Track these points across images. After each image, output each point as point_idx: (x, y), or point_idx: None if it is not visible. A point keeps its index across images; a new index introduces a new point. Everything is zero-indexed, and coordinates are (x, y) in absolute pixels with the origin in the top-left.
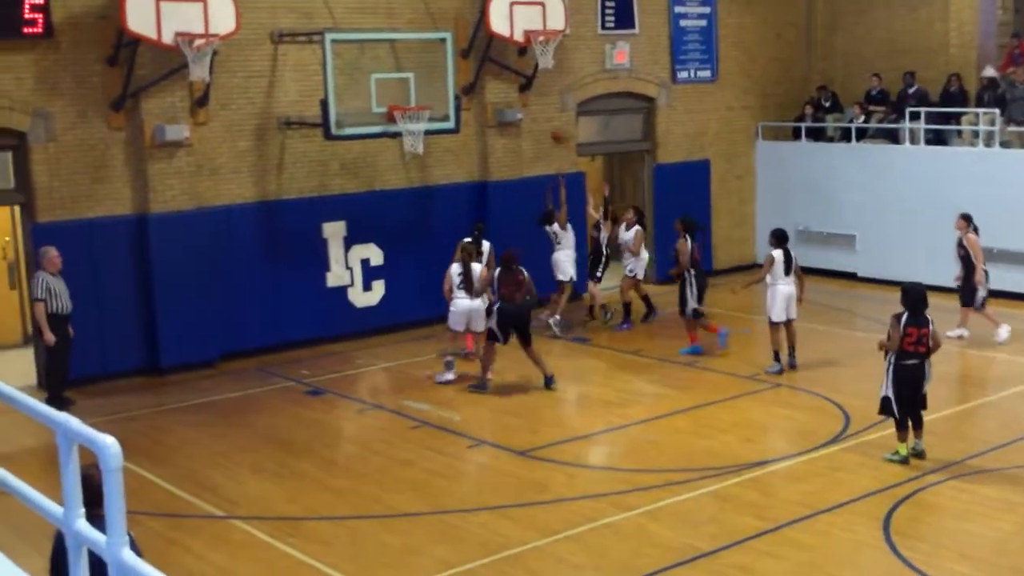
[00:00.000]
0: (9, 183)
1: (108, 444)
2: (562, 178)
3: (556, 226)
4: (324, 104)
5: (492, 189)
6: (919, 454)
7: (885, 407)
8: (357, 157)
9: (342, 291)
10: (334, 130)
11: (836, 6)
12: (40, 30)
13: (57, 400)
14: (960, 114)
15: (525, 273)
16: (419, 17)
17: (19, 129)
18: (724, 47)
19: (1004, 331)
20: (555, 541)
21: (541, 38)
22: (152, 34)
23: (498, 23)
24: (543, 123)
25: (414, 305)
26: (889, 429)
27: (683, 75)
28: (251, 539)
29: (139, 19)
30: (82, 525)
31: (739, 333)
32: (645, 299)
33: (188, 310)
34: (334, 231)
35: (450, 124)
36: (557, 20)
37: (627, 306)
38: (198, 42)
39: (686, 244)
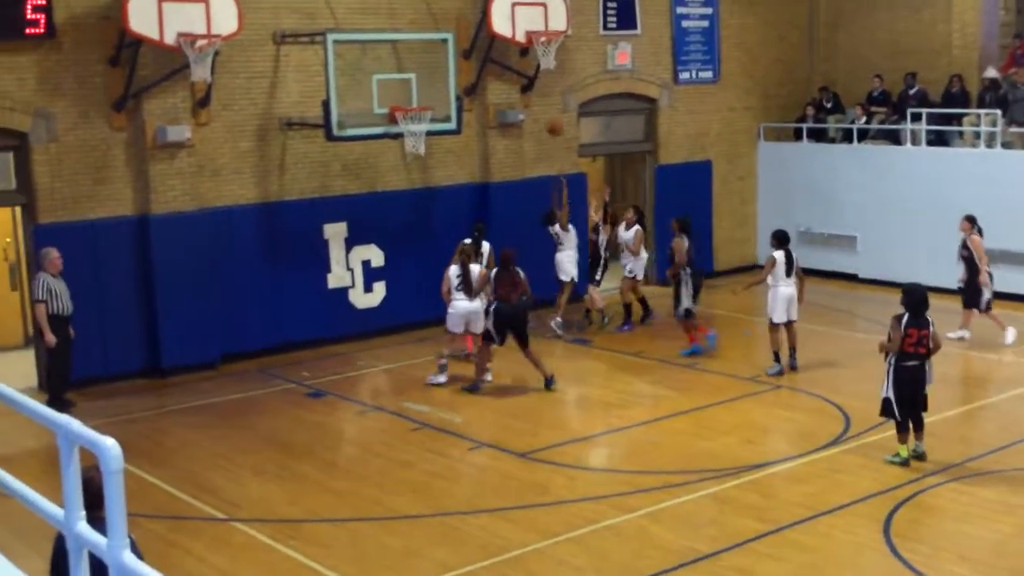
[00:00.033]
0: (10, 184)
1: (109, 446)
2: (564, 179)
3: (557, 227)
4: (326, 105)
5: (494, 190)
6: (919, 456)
7: (886, 409)
8: (359, 158)
9: (343, 292)
10: (336, 131)
11: (838, 7)
12: (42, 30)
13: (58, 402)
14: (962, 115)
15: (521, 273)
16: (421, 18)
17: (20, 130)
18: (726, 48)
19: (1011, 334)
20: (556, 543)
21: (543, 39)
22: (154, 35)
23: (500, 24)
24: (545, 124)
25: (415, 306)
26: (890, 431)
27: (685, 76)
28: (252, 541)
29: (141, 20)
30: (83, 527)
31: (741, 335)
32: (642, 301)
33: (189, 311)
34: (335, 232)
35: (452, 125)
36: (559, 21)
37: (627, 307)
38: (200, 43)
39: (682, 243)
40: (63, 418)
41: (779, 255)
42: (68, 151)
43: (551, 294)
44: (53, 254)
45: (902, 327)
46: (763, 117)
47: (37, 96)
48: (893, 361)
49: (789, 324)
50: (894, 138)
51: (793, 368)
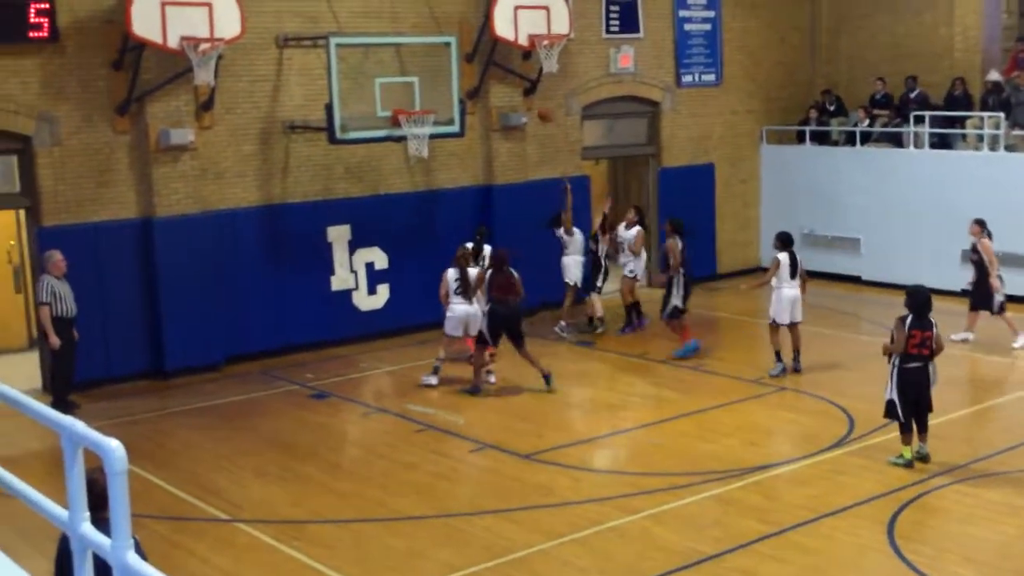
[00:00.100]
0: (14, 187)
1: (113, 447)
2: (569, 183)
3: (562, 230)
4: (329, 108)
5: (497, 193)
6: (923, 458)
7: (890, 410)
8: (362, 161)
9: (346, 295)
10: (339, 134)
11: (840, 10)
12: (46, 34)
13: (62, 403)
14: (964, 118)
15: (515, 274)
16: (423, 21)
17: (24, 133)
18: (728, 51)
19: (1022, 338)
20: (560, 544)
21: (545, 42)
22: (157, 38)
23: (502, 27)
24: (548, 127)
25: (418, 309)
26: (893, 433)
27: (687, 79)
28: (255, 542)
29: (144, 23)
30: (87, 528)
31: (744, 336)
32: (635, 305)
33: (193, 314)
34: (339, 235)
35: (455, 128)
36: (561, 24)
37: (628, 309)
38: (203, 46)
39: (676, 244)
40: (67, 420)
41: (783, 257)
42: (72, 154)
43: (555, 297)
44: (57, 257)
45: (906, 329)
46: (766, 120)
47: (41, 100)
48: (897, 363)
49: (793, 326)
50: (897, 141)
51: (797, 370)
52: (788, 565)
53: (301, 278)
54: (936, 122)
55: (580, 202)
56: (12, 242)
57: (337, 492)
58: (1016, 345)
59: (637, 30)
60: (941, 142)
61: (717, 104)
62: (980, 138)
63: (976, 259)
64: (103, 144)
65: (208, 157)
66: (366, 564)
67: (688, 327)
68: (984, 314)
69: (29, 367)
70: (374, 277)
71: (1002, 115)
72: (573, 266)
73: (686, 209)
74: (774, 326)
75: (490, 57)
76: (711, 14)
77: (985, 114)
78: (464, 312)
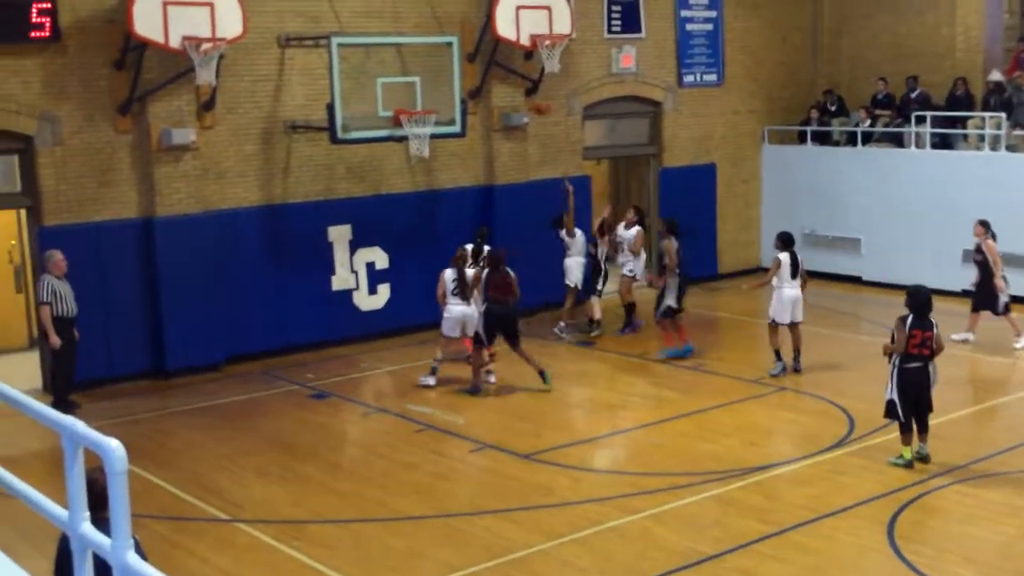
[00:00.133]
0: (16, 187)
1: (113, 447)
2: (571, 185)
3: (564, 232)
4: (330, 108)
5: (498, 193)
6: (924, 458)
7: (890, 410)
8: (363, 161)
9: (347, 295)
10: (340, 134)
11: (842, 10)
12: (47, 34)
13: (62, 403)
14: (966, 118)
15: (512, 274)
16: (425, 21)
17: (26, 133)
18: (730, 51)
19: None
20: (560, 544)
21: (547, 42)
22: (159, 38)
23: (504, 27)
24: (550, 127)
25: (419, 309)
26: (893, 433)
27: (689, 79)
28: (256, 542)
29: (146, 23)
30: (87, 528)
31: (745, 336)
32: (632, 305)
33: (194, 313)
34: (339, 235)
35: (456, 128)
36: (563, 24)
37: (627, 308)
38: (205, 46)
39: (671, 245)
40: (68, 419)
41: (784, 257)
42: (73, 154)
43: (556, 297)
44: (57, 256)
45: (906, 329)
46: (767, 120)
47: (42, 99)
48: (897, 363)
49: (794, 326)
50: (898, 141)
51: (797, 370)
52: (788, 565)
53: (302, 278)
54: (937, 122)
55: (581, 202)
56: (13, 242)
57: (337, 492)
58: (1018, 345)
59: (639, 30)
60: (942, 142)
61: (719, 104)
62: (981, 138)
63: (980, 260)
64: (105, 144)
65: (210, 157)
66: (366, 564)
67: (685, 328)
68: (985, 315)
69: (30, 367)
70: (375, 277)
71: (1003, 115)
72: (575, 268)
73: (687, 209)
74: (773, 326)
75: (492, 57)
76: (713, 14)
77: (986, 114)
78: (461, 313)
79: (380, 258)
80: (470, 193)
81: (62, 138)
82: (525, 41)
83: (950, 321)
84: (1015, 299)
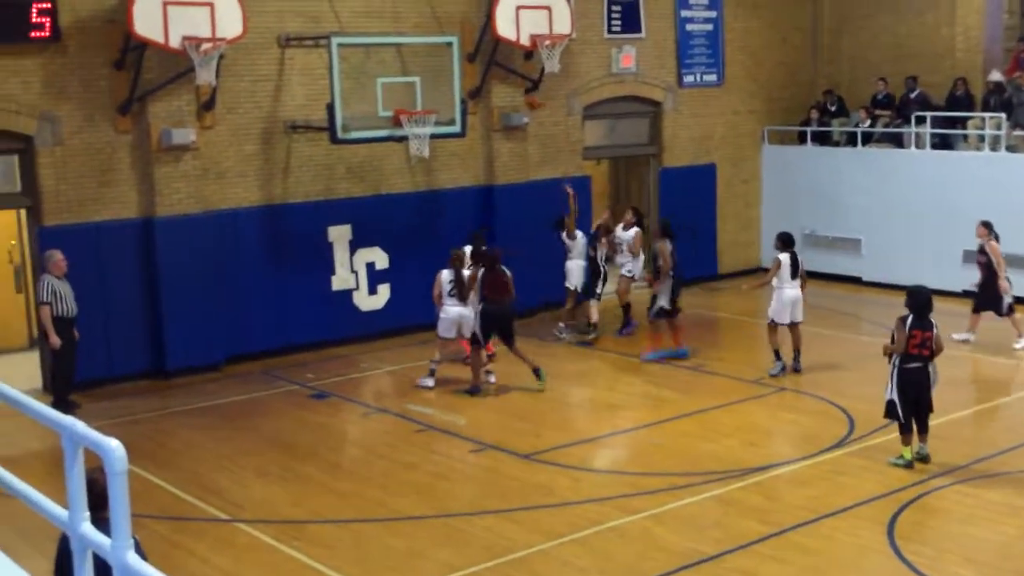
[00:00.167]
0: (16, 187)
1: (113, 447)
2: (571, 187)
3: (565, 234)
4: (330, 108)
5: (498, 193)
6: (924, 458)
7: (890, 411)
8: (363, 161)
9: (347, 295)
10: (340, 134)
11: (842, 10)
12: (47, 34)
13: (62, 403)
14: (966, 118)
15: (508, 273)
16: (425, 21)
17: (26, 133)
18: (730, 51)
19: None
20: (560, 544)
21: (547, 42)
22: (159, 38)
23: (504, 27)
24: (550, 127)
25: (419, 309)
26: (893, 433)
27: (689, 79)
28: (256, 542)
29: (146, 23)
30: (87, 528)
31: (745, 336)
32: (626, 307)
33: (194, 313)
34: (339, 235)
35: (456, 128)
36: (563, 24)
37: (625, 309)
38: (205, 46)
39: (666, 246)
40: (68, 419)
41: (784, 257)
42: (73, 154)
43: (556, 297)
44: (57, 256)
45: (906, 329)
46: (767, 120)
47: (42, 99)
48: (897, 363)
49: (794, 326)
50: (898, 141)
51: (797, 370)
52: (788, 566)
53: (302, 278)
54: (937, 122)
55: (581, 203)
56: (13, 242)
57: (337, 492)
58: (1018, 346)
59: (639, 30)
60: (942, 143)
61: (719, 104)
62: (981, 139)
63: (984, 261)
64: (105, 144)
65: (209, 157)
66: (366, 564)
67: (682, 329)
68: (986, 316)
69: (30, 367)
70: (375, 277)
71: (1003, 115)
72: (576, 271)
73: (687, 209)
74: (772, 326)
75: (492, 57)
76: (713, 14)
77: (986, 114)
78: (457, 314)
79: (380, 258)
80: (470, 193)
81: (62, 138)
82: (525, 41)
83: (950, 321)
84: (1016, 300)
